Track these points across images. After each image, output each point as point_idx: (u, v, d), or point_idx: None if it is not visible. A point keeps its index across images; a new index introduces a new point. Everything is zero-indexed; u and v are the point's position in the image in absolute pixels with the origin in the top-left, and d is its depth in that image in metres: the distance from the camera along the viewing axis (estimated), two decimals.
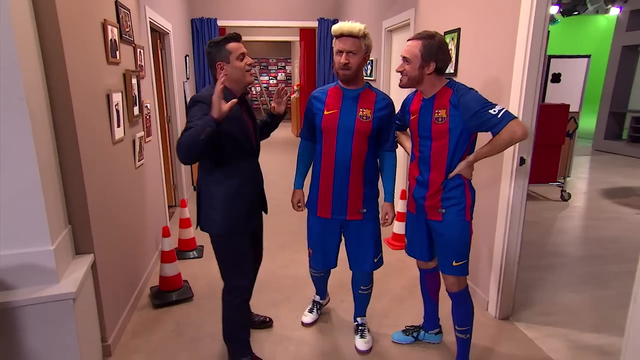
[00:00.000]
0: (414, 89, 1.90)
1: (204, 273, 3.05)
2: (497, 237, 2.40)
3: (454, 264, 1.85)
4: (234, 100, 1.63)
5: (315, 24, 6.63)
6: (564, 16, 7.32)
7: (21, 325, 1.62)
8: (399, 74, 1.81)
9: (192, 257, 3.32)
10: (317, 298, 2.47)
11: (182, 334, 2.32)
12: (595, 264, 3.21)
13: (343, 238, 2.11)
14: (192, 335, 2.32)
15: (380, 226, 2.09)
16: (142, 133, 2.90)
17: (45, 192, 1.65)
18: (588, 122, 9.48)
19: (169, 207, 4.18)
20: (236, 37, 1.83)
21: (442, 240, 1.87)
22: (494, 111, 1.63)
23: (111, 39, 2.33)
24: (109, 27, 2.29)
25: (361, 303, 2.25)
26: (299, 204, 2.17)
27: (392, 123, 1.97)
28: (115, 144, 2.36)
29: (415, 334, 2.25)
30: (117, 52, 2.44)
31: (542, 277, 2.99)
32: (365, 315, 2.29)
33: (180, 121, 4.55)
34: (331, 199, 1.98)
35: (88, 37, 2.03)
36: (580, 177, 6.12)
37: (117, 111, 2.38)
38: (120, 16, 2.53)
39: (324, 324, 2.43)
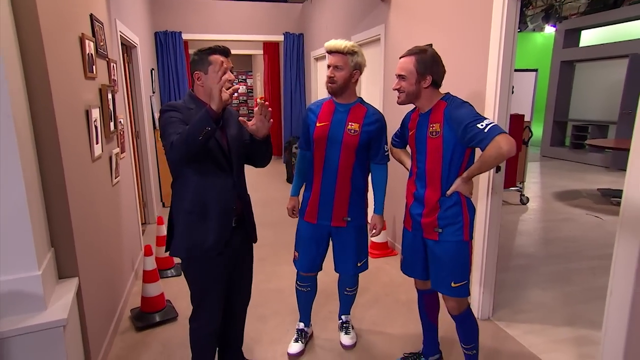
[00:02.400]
0: (412, 106, 1.88)
1: (186, 291, 2.94)
2: (477, 241, 2.53)
3: (453, 285, 1.78)
4: (236, 86, 1.56)
5: (280, 37, 6.70)
6: None
7: (8, 358, 1.50)
8: (396, 91, 1.81)
9: (170, 275, 3.21)
10: (302, 325, 2.33)
11: (170, 357, 2.24)
12: (557, 262, 3.46)
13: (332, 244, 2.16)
14: (181, 356, 2.24)
15: (368, 235, 2.15)
16: (117, 149, 2.80)
17: (31, 214, 1.56)
18: (535, 131, 10.19)
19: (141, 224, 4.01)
20: (223, 51, 1.75)
21: (439, 261, 1.81)
22: (482, 125, 1.57)
23: (88, 54, 2.25)
24: (86, 42, 2.22)
25: (346, 302, 2.37)
26: (294, 211, 2.21)
27: (383, 137, 2.02)
28: (95, 161, 2.27)
29: None
30: (94, 67, 2.36)
31: (513, 277, 3.17)
32: (349, 314, 2.41)
33: (148, 136, 4.42)
34: (318, 205, 2.06)
35: (67, 52, 1.96)
36: (534, 181, 6.57)
37: (96, 127, 2.29)
38: (95, 30, 2.45)
39: (312, 354, 2.27)
